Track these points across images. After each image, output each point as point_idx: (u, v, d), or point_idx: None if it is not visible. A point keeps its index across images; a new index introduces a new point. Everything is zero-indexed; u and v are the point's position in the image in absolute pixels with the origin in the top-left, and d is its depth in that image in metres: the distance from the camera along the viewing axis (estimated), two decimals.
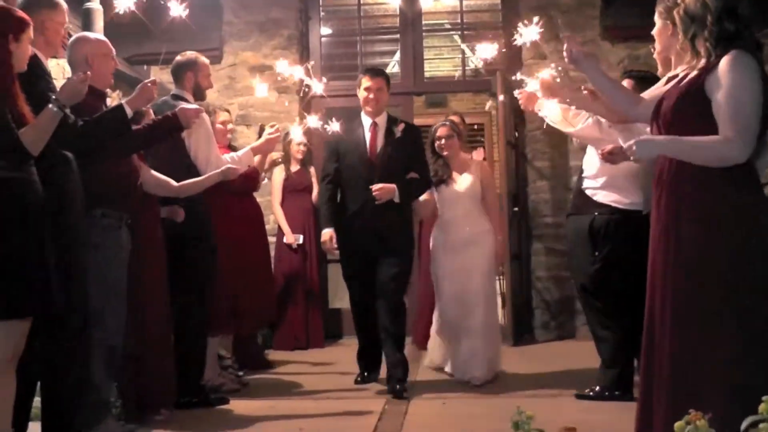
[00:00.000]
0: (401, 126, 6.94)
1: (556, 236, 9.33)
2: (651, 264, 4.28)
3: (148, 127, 5.49)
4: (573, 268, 6.80)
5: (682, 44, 4.16)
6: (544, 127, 6.72)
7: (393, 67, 11.02)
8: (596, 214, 6.17)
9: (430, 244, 7.48)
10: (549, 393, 6.54)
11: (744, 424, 3.12)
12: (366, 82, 6.88)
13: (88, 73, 4.80)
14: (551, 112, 6.23)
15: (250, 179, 7.18)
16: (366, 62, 10.75)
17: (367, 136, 6.92)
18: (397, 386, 6.55)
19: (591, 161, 6.27)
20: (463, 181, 7.23)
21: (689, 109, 4.01)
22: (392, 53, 10.77)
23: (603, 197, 6.15)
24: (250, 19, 10.12)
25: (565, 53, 4.44)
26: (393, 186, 6.64)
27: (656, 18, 4.95)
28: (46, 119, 4.42)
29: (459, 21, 10.86)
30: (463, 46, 10.98)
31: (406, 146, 6.88)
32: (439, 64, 11.37)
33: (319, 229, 7.61)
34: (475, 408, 6.13)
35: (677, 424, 3.15)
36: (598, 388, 6.22)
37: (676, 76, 4.30)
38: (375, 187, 6.60)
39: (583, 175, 6.39)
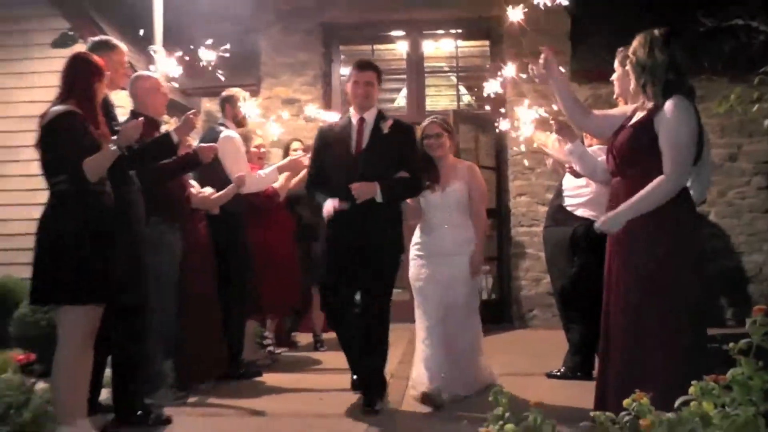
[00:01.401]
0: (389, 122, 5.52)
1: (530, 243, 9.36)
2: (607, 269, 4.39)
3: (177, 160, 5.51)
4: (552, 272, 6.73)
5: (634, 88, 4.27)
6: (547, 160, 6.63)
7: (399, 101, 11.02)
8: (576, 226, 6.17)
9: (410, 247, 5.81)
10: (524, 372, 6.53)
11: (677, 402, 3.20)
12: (354, 74, 5.54)
13: (141, 119, 4.91)
14: (550, 141, 6.18)
15: (269, 198, 6.93)
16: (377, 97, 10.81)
17: (353, 131, 5.51)
18: (367, 407, 5.32)
19: (571, 183, 6.28)
20: (451, 189, 5.63)
21: (641, 142, 4.11)
22: (399, 90, 10.86)
23: (582, 212, 6.15)
24: (282, 61, 10.15)
25: (542, 58, 4.47)
26: (374, 184, 5.27)
27: (616, 65, 5.16)
28: (106, 156, 4.53)
29: (455, 64, 10.93)
30: (459, 85, 11.10)
31: (393, 144, 5.45)
32: (438, 99, 11.43)
33: None
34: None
35: (626, 402, 3.20)
36: (564, 369, 6.31)
37: (623, 113, 4.45)
38: (354, 185, 5.23)
39: (564, 194, 6.38)
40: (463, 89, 11.26)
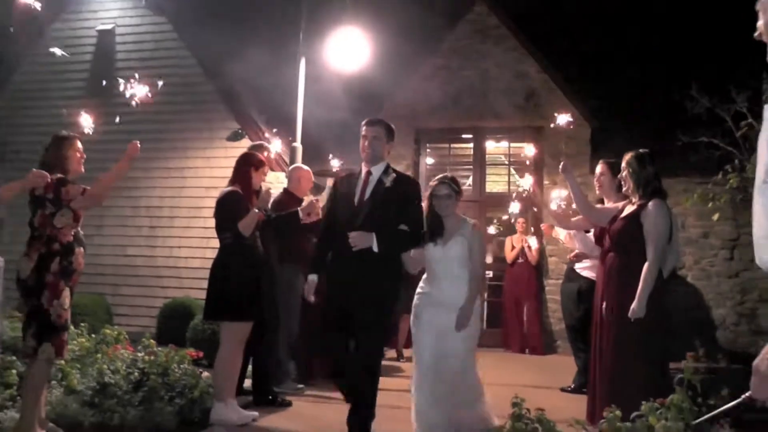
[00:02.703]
0: (392, 176, 4.42)
1: (556, 291, 9.34)
2: (595, 315, 4.64)
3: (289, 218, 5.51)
4: (565, 314, 6.82)
5: (629, 189, 4.46)
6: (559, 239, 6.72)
7: (467, 185, 11.04)
8: (581, 283, 6.32)
9: (415, 297, 4.61)
10: (545, 386, 6.49)
11: (632, 416, 3.40)
12: (364, 129, 4.50)
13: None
14: (561, 234, 6.42)
15: None
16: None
17: (359, 183, 4.43)
18: None
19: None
20: (453, 245, 4.46)
21: (631, 230, 4.33)
22: (468, 176, 10.97)
23: (586, 273, 6.27)
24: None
25: (561, 165, 4.81)
26: (370, 234, 4.19)
27: (601, 171, 5.16)
28: (251, 216, 4.82)
29: (508, 159, 10.93)
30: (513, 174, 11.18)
31: (394, 196, 4.33)
32: (495, 184, 11.47)
33: None
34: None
35: (605, 412, 3.46)
36: (573, 385, 6.37)
37: (615, 207, 4.71)
38: (351, 233, 4.19)
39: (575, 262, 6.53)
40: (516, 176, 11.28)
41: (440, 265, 4.48)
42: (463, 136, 10.73)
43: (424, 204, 4.53)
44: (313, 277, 4.42)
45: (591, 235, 5.52)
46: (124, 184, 5.29)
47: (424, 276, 4.63)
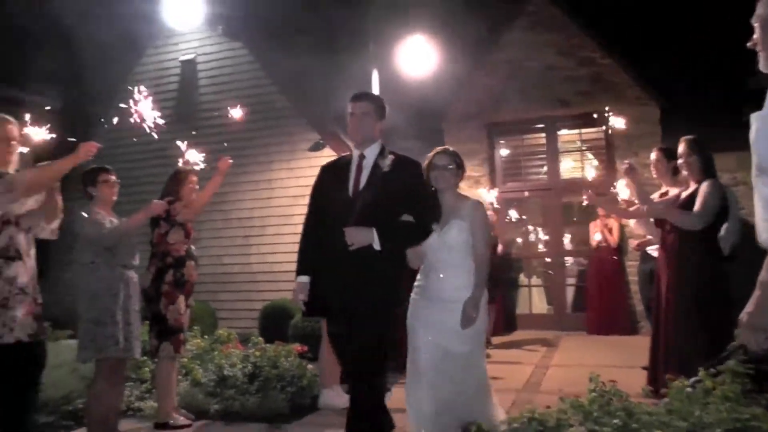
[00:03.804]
0: (390, 158, 3.65)
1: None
2: (656, 288, 4.90)
3: None
4: (642, 295, 7.06)
5: (685, 174, 4.79)
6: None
7: (543, 173, 11.14)
8: (654, 263, 6.44)
9: (412, 291, 3.96)
10: (626, 365, 6.39)
11: (691, 380, 3.44)
12: (350, 105, 3.73)
13: None
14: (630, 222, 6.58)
15: None
16: (525, 171, 11.21)
17: (352, 169, 3.68)
18: None
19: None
20: (451, 229, 3.80)
21: (688, 208, 4.62)
22: (542, 165, 11.14)
23: (657, 254, 6.50)
24: (459, 149, 10.28)
25: (625, 167, 5.03)
26: (369, 229, 3.46)
27: (656, 157, 5.32)
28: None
29: (580, 146, 11.05)
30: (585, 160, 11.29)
31: (394, 183, 3.58)
32: (569, 170, 11.51)
33: None
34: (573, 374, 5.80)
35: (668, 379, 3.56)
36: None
37: (667, 192, 5.02)
38: (347, 230, 3.46)
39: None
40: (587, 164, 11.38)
41: (438, 254, 3.82)
42: (535, 126, 10.92)
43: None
44: (303, 279, 3.68)
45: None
46: (216, 199, 5.83)
47: (421, 267, 3.94)
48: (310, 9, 10.93)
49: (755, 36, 2.30)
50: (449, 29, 9.66)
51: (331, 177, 3.77)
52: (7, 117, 3.52)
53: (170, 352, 4.75)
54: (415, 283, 3.96)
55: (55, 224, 3.73)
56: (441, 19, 9.45)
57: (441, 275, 3.81)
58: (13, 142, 3.48)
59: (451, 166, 3.90)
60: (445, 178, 3.89)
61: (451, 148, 4.03)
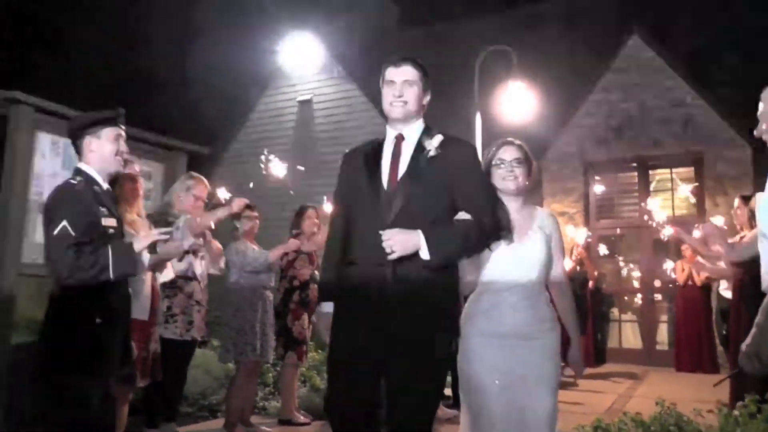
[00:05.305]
0: (438, 138, 2.72)
1: None
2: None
3: None
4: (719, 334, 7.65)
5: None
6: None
7: (633, 211, 11.24)
8: (723, 303, 7.09)
9: (461, 321, 2.85)
10: (704, 400, 6.03)
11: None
12: (389, 72, 2.80)
13: None
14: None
15: None
16: (618, 209, 11.54)
17: (386, 154, 2.76)
18: None
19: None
20: (529, 240, 2.85)
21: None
22: (636, 204, 11.23)
23: (727, 294, 6.73)
24: (557, 186, 11.26)
25: (673, 230, 5.51)
26: (414, 232, 2.53)
27: (737, 205, 5.63)
28: None
29: (670, 184, 11.15)
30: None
31: (446, 171, 2.67)
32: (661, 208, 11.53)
33: None
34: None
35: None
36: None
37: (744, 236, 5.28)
38: (385, 233, 2.52)
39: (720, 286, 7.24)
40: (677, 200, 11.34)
41: (508, 272, 2.82)
42: (629, 165, 11.31)
43: None
44: (327, 306, 2.83)
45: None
46: None
47: (477, 291, 2.90)
48: (423, 49, 11.77)
49: (763, 126, 2.87)
50: (550, 72, 10.28)
51: (359, 166, 2.81)
52: (202, 178, 4.69)
53: (294, 360, 5.65)
54: (467, 312, 2.91)
55: (222, 262, 4.95)
56: (542, 62, 10.04)
57: (514, 304, 2.79)
58: (201, 203, 4.62)
59: (521, 161, 2.95)
60: (514, 177, 2.92)
61: (517, 141, 3.03)
